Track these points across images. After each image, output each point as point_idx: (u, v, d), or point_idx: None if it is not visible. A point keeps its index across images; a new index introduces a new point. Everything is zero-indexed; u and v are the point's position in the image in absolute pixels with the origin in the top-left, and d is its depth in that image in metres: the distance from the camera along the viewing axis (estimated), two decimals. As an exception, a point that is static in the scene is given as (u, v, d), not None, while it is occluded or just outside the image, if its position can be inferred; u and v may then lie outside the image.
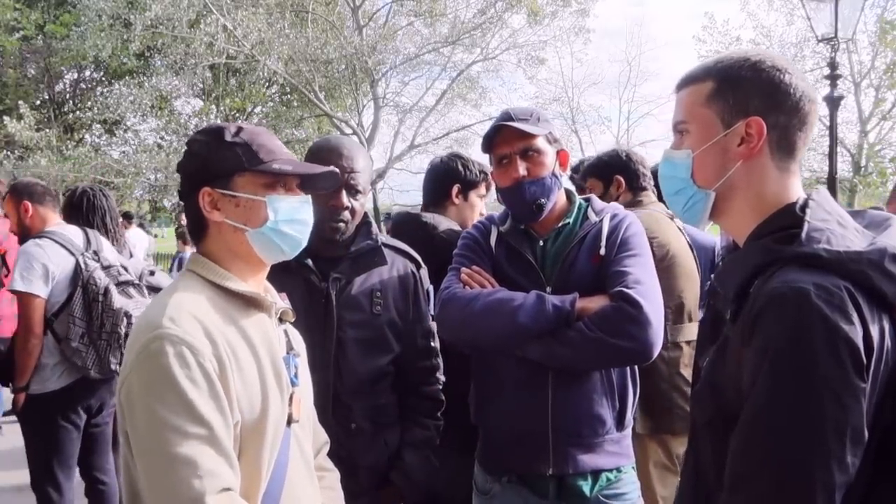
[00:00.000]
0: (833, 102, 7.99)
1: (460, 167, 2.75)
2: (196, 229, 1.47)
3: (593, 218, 2.02)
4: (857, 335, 1.00)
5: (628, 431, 2.02)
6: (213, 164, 1.43)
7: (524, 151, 1.97)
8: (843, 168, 17.51)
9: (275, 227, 1.42)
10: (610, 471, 1.96)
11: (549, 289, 1.93)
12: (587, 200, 2.09)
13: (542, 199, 1.98)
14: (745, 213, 1.23)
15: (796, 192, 1.22)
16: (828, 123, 8.66)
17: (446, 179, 2.73)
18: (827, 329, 1.00)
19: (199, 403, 1.25)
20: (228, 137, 1.43)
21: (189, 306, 1.34)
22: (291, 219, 1.45)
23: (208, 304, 1.37)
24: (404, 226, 2.67)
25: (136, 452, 1.28)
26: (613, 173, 3.00)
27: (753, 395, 1.05)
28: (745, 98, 1.20)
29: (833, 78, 7.97)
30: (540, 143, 1.98)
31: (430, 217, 2.60)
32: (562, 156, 2.04)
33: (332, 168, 1.55)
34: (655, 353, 1.84)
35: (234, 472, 1.29)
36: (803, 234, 1.10)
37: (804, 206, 1.16)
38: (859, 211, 1.25)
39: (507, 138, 1.98)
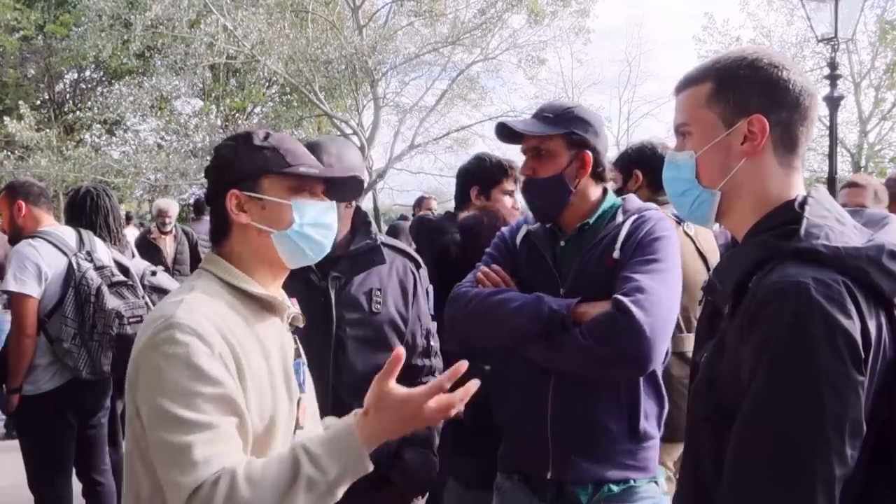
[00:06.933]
0: (833, 102, 7.99)
1: (476, 168, 2.73)
2: (219, 231, 1.48)
3: (619, 219, 1.90)
4: (855, 329, 1.01)
5: (649, 443, 1.87)
6: (241, 166, 1.45)
7: (535, 150, 1.92)
8: (843, 168, 17.49)
9: (300, 231, 1.44)
10: (616, 483, 1.83)
11: (562, 290, 1.86)
12: (625, 200, 1.98)
13: (538, 200, 1.94)
14: (747, 210, 1.23)
15: (798, 189, 1.22)
16: (828, 123, 8.66)
17: (465, 182, 2.74)
18: (826, 323, 1.00)
19: (202, 392, 1.25)
20: (257, 142, 1.46)
21: (203, 306, 1.34)
22: (316, 222, 1.46)
23: (223, 305, 1.38)
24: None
25: (149, 438, 1.28)
26: (633, 166, 2.81)
27: (753, 389, 1.05)
28: (745, 97, 1.21)
29: (833, 78, 7.96)
30: (550, 143, 1.90)
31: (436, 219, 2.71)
32: (584, 157, 1.90)
33: (355, 174, 1.56)
34: (650, 367, 1.74)
35: (238, 449, 1.28)
36: (802, 230, 1.11)
37: (803, 202, 1.17)
38: (857, 210, 1.26)
39: (523, 135, 1.94)
